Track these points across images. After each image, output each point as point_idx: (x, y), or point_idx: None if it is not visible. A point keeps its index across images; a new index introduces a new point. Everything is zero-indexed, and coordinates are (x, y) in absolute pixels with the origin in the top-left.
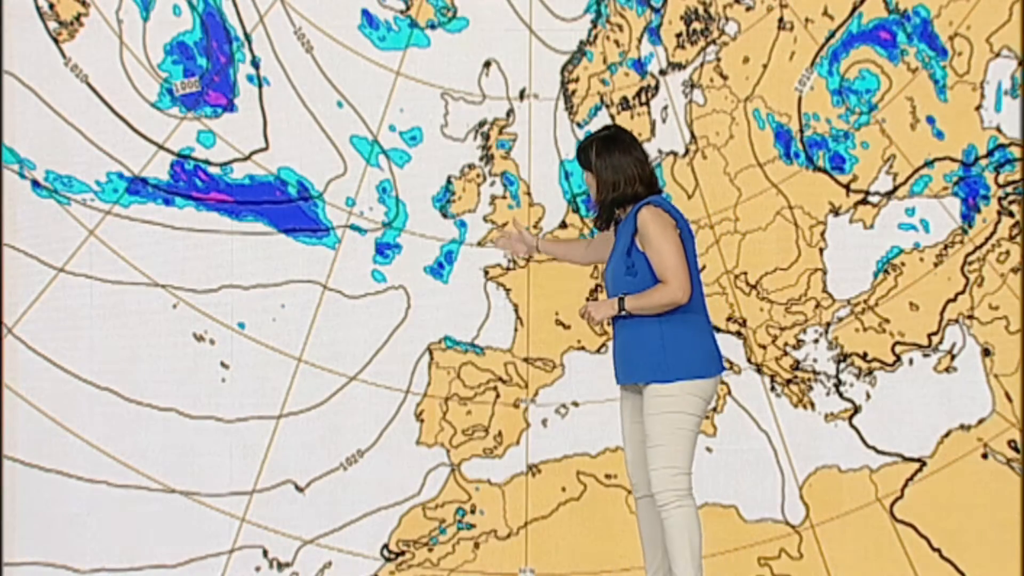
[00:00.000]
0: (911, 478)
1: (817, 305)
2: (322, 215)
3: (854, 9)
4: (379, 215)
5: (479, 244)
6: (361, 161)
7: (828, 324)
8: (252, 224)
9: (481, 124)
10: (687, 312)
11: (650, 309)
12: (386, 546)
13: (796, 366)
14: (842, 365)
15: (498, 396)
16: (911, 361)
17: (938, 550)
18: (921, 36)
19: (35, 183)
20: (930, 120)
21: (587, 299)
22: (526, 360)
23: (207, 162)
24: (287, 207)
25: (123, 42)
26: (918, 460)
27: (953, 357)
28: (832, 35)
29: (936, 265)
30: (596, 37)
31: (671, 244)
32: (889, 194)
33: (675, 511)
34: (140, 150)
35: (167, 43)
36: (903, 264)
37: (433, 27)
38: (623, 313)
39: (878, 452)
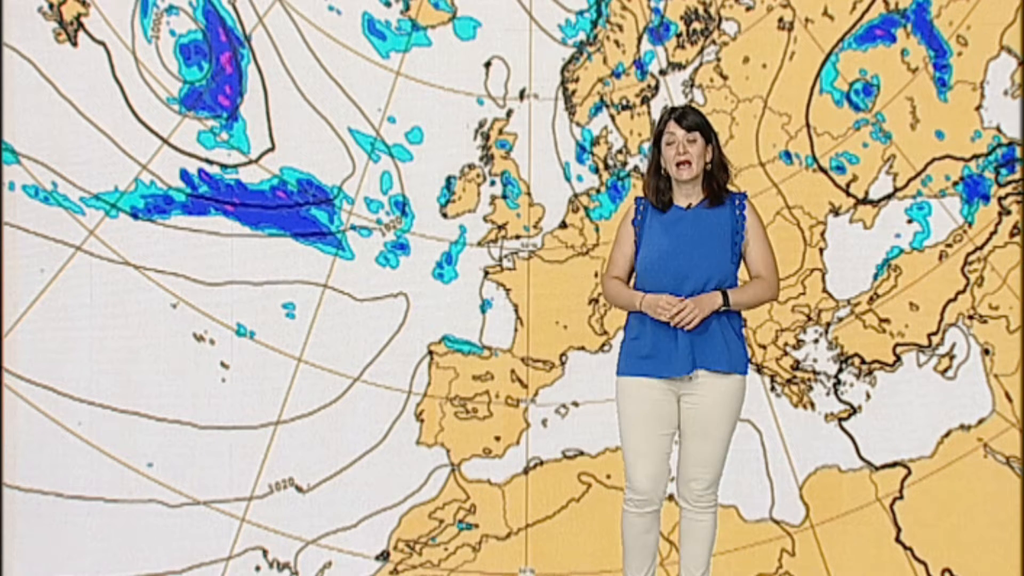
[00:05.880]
0: (905, 479)
1: (817, 305)
2: (324, 218)
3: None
4: (379, 216)
5: (479, 244)
6: (363, 162)
7: (828, 324)
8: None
9: (481, 124)
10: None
11: (747, 306)
12: (386, 547)
13: (796, 366)
14: (843, 366)
15: (498, 396)
16: (917, 359)
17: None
18: (922, 35)
19: (36, 185)
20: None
21: (589, 302)
22: (525, 360)
23: (223, 166)
24: (297, 212)
25: (124, 44)
26: (906, 467)
27: (952, 358)
28: (841, 39)
29: (940, 259)
30: (596, 37)
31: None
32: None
33: (713, 515)
34: (141, 152)
35: (171, 44)
36: (903, 265)
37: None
38: (721, 308)
39: (870, 464)
